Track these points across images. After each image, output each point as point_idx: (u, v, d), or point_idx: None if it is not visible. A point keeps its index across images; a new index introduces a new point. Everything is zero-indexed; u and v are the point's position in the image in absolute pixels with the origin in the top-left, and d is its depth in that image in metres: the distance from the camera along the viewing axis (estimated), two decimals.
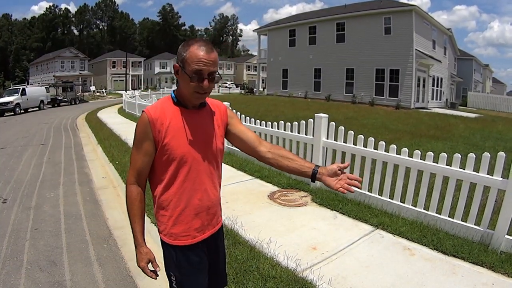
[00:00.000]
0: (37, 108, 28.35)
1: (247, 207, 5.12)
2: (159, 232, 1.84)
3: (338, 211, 4.94)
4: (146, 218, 4.92)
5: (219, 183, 1.93)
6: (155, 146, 1.69)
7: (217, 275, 2.04)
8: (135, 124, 1.79)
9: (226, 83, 59.15)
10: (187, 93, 1.69)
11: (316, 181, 1.74)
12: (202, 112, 1.80)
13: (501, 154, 3.78)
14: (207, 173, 1.79)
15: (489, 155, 3.90)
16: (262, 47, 39.08)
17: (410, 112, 21.23)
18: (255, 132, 7.19)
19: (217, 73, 1.68)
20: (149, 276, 1.80)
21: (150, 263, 1.80)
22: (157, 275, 1.81)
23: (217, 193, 1.89)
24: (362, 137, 5.19)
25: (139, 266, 1.80)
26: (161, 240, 1.84)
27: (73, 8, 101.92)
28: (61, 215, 5.16)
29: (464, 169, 4.05)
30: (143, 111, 1.72)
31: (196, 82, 1.62)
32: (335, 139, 5.60)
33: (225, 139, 1.94)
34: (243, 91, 46.09)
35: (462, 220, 4.11)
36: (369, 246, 3.95)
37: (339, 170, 1.67)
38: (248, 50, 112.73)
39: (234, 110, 7.93)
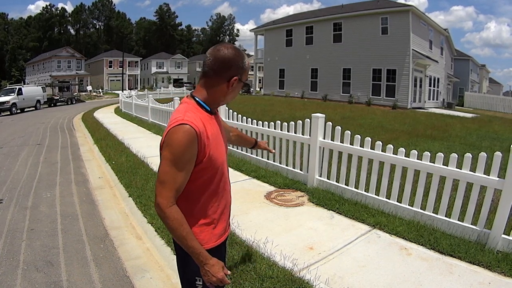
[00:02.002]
0: (34, 108, 28.25)
1: (244, 207, 5.11)
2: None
3: (334, 211, 4.94)
4: (143, 218, 4.93)
5: None
6: (196, 160, 1.63)
7: None
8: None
9: None
10: (230, 99, 1.78)
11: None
12: (218, 116, 1.86)
13: (498, 154, 3.79)
14: (228, 173, 1.90)
15: (486, 155, 3.91)
16: (259, 47, 39.07)
17: (407, 112, 21.28)
18: (251, 132, 7.23)
19: None
20: (227, 283, 1.70)
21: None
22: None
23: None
24: (359, 137, 5.20)
25: (218, 279, 1.65)
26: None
27: (69, 8, 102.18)
28: (57, 215, 5.14)
29: (460, 169, 4.06)
30: (182, 123, 1.56)
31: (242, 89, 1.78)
32: (332, 139, 5.60)
33: None
34: (239, 91, 46.05)
35: (458, 220, 4.12)
36: (366, 246, 3.95)
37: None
38: (245, 50, 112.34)
39: (230, 110, 7.98)
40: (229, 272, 1.71)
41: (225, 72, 1.66)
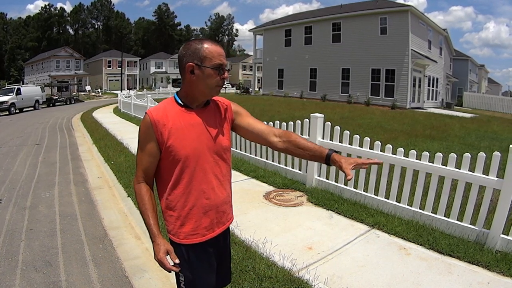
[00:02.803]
0: (32, 108, 28.18)
1: (243, 207, 5.11)
2: (167, 232, 1.84)
3: (333, 211, 4.95)
4: (141, 218, 4.92)
5: (229, 180, 1.93)
6: (159, 148, 1.71)
7: (223, 272, 2.05)
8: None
9: None
10: (205, 90, 1.73)
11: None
12: (206, 111, 1.81)
13: (496, 154, 3.79)
14: (214, 172, 1.81)
15: (485, 155, 3.91)
16: (257, 47, 39.00)
17: (406, 112, 21.28)
18: None
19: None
20: (167, 269, 1.70)
21: (168, 255, 1.72)
22: (179, 268, 1.74)
23: (225, 191, 1.89)
24: (358, 137, 5.20)
25: (156, 260, 1.71)
26: (170, 240, 1.83)
27: (68, 8, 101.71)
28: (56, 215, 5.14)
29: (459, 169, 4.06)
30: (145, 112, 1.74)
31: (218, 76, 1.71)
32: (331, 139, 5.60)
33: (233, 134, 1.99)
34: (238, 91, 46.07)
35: (457, 220, 4.13)
36: (365, 246, 3.96)
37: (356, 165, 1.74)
38: (244, 50, 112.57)
39: None
40: (177, 260, 1.71)
41: (182, 61, 1.72)
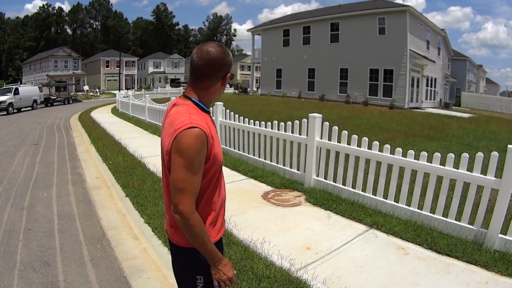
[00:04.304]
0: (30, 108, 28.13)
1: (241, 207, 5.11)
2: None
3: (332, 211, 4.95)
4: (140, 218, 4.92)
5: None
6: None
7: None
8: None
9: None
10: (217, 96, 1.81)
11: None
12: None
13: (494, 153, 3.80)
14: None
15: (483, 155, 3.92)
16: (256, 47, 39.01)
17: (404, 112, 21.31)
18: (249, 132, 7.24)
19: None
20: (234, 282, 1.74)
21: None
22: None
23: None
24: (356, 137, 5.20)
25: (228, 278, 1.69)
26: (185, 248, 1.75)
27: (67, 7, 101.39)
28: (54, 215, 5.13)
29: (457, 169, 4.07)
30: (191, 127, 1.55)
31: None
32: (329, 139, 5.60)
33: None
34: (236, 91, 46.01)
35: (455, 220, 4.13)
36: (363, 246, 3.96)
37: None
38: (242, 50, 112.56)
39: (227, 110, 7.97)
40: (234, 271, 1.75)
41: (218, 72, 1.70)
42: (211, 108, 6.90)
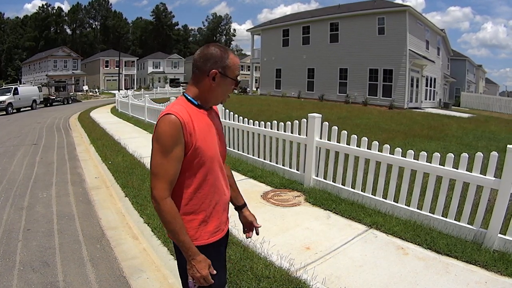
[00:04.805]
0: (30, 108, 28.14)
1: None
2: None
3: (331, 211, 4.95)
4: (139, 218, 4.92)
5: None
6: (184, 151, 1.65)
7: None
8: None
9: None
10: (219, 96, 1.80)
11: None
12: (211, 114, 1.87)
13: (494, 153, 3.80)
14: (222, 172, 1.87)
15: (482, 155, 3.93)
16: (255, 47, 39.02)
17: (404, 112, 21.31)
18: (248, 132, 7.23)
19: None
20: (210, 283, 1.71)
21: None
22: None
23: (229, 191, 1.97)
24: (356, 137, 5.20)
25: (201, 276, 1.67)
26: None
27: (66, 7, 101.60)
28: (53, 215, 5.12)
29: (457, 169, 4.07)
30: (168, 113, 1.62)
31: (234, 86, 1.81)
32: (329, 139, 5.60)
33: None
34: (236, 91, 46.01)
35: (455, 220, 4.13)
36: (362, 246, 3.96)
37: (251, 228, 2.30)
38: (242, 50, 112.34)
39: (227, 110, 7.97)
40: (214, 271, 1.71)
41: (205, 65, 1.71)
42: None
